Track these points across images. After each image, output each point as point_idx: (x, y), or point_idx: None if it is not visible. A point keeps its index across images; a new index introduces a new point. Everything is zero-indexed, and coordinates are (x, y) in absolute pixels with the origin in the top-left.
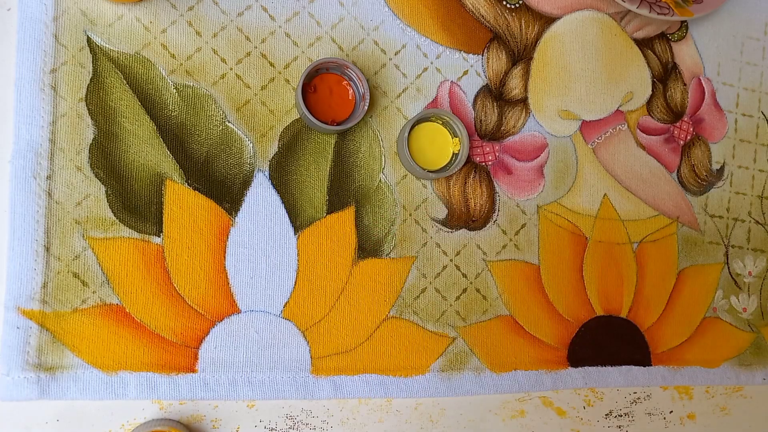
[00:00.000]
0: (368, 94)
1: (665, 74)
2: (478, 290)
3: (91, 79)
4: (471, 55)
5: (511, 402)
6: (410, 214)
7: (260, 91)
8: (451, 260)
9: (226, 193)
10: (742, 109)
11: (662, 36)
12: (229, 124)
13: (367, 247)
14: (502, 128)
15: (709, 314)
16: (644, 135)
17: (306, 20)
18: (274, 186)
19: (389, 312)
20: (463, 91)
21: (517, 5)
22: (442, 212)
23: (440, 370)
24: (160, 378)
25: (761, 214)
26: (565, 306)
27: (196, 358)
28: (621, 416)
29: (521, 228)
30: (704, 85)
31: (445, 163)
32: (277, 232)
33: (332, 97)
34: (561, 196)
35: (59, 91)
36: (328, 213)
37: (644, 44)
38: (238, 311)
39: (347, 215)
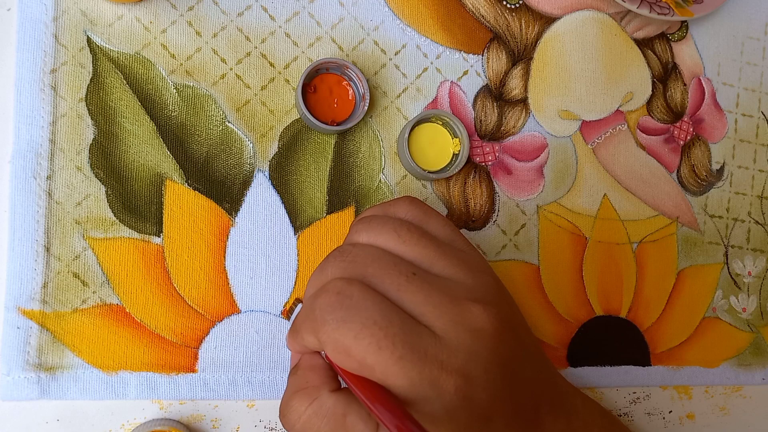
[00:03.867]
0: (368, 94)
1: (665, 74)
2: None
3: (91, 79)
4: (471, 55)
5: None
6: None
7: (260, 91)
8: None
9: (226, 193)
10: (742, 109)
11: (662, 36)
12: (229, 124)
13: None
14: (502, 128)
15: (709, 314)
16: (644, 135)
17: (306, 20)
18: (274, 186)
19: None
20: (463, 91)
21: (517, 5)
22: (441, 212)
23: None
24: (160, 378)
25: (761, 214)
26: (565, 306)
27: (196, 358)
28: (620, 416)
29: (521, 228)
30: (704, 85)
31: (445, 164)
32: (277, 232)
33: (332, 97)
34: (561, 196)
35: (59, 91)
36: (328, 213)
37: (644, 44)
38: (238, 311)
39: (347, 215)
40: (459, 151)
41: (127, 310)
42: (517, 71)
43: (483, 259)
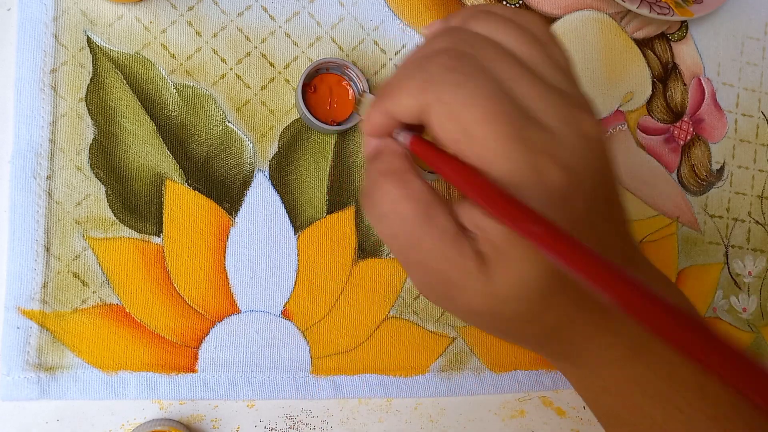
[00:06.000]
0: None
1: (665, 74)
2: None
3: (91, 79)
4: None
5: (511, 402)
6: None
7: (260, 91)
8: None
9: (226, 193)
10: (742, 109)
11: (662, 36)
12: (229, 124)
13: (367, 247)
14: None
15: (709, 314)
16: (644, 135)
17: (306, 20)
18: (274, 186)
19: (389, 312)
20: None
21: (517, 5)
22: None
23: (440, 370)
24: (160, 378)
25: (761, 214)
26: None
27: (196, 358)
28: None
29: None
30: (704, 85)
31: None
32: (277, 232)
33: (332, 97)
34: None
35: (59, 91)
36: (328, 213)
37: (644, 44)
38: (238, 311)
39: (347, 215)
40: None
41: (127, 310)
42: None
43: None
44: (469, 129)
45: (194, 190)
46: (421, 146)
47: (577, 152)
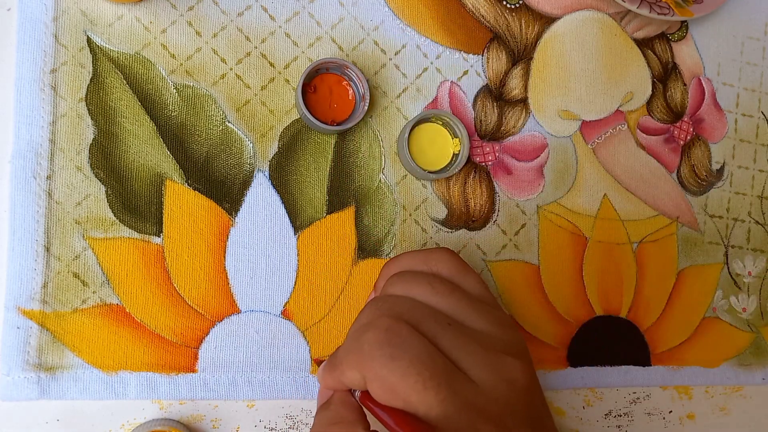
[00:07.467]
0: (368, 94)
1: (665, 74)
2: None
3: (91, 79)
4: (471, 55)
5: None
6: (410, 215)
7: (260, 91)
8: None
9: (226, 193)
10: (742, 109)
11: (662, 36)
12: (229, 124)
13: (367, 248)
14: (502, 128)
15: (709, 314)
16: (644, 135)
17: (306, 20)
18: (274, 186)
19: None
20: (463, 91)
21: (517, 5)
22: (441, 212)
23: None
24: (160, 378)
25: (761, 214)
26: (565, 306)
27: (196, 358)
28: (620, 416)
29: (521, 228)
30: (704, 85)
31: (445, 164)
32: (277, 232)
33: (332, 97)
34: (561, 196)
35: (59, 91)
36: (328, 213)
37: (644, 44)
38: (238, 311)
39: (347, 215)
40: (459, 151)
41: (127, 310)
42: (517, 71)
43: (510, 317)
44: (407, 398)
45: (194, 190)
46: (371, 401)
47: (503, 402)
